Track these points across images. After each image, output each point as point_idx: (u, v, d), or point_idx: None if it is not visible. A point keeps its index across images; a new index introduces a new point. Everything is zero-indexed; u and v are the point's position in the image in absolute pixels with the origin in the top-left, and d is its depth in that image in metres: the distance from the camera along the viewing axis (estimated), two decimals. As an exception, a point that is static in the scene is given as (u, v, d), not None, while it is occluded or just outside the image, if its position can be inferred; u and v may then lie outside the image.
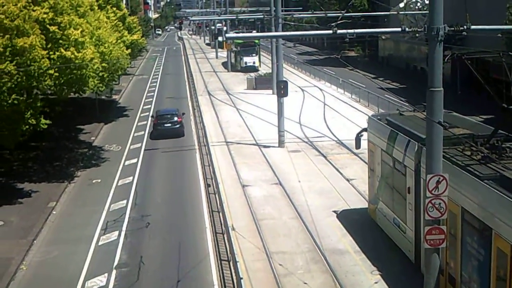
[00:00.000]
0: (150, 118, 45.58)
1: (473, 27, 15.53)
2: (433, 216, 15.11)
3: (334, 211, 24.97)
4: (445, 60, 15.82)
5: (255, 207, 26.06)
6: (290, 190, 27.90)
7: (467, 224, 15.54)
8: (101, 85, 36.15)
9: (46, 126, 28.67)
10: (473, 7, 23.54)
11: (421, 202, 17.82)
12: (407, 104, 29.05)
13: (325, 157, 33.46)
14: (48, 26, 28.35)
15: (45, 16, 28.05)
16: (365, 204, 24.93)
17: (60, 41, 28.76)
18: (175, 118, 41.32)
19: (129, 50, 45.84)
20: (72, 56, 28.47)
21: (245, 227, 23.84)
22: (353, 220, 23.96)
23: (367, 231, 22.86)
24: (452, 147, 17.12)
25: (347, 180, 29.10)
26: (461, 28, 15.45)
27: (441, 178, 14.96)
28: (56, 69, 27.86)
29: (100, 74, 34.36)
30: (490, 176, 15.00)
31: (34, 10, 27.55)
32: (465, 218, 15.57)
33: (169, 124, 41.00)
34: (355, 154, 32.24)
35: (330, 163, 32.22)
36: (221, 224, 24.24)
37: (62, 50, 28.37)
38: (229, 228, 22.47)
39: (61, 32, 28.78)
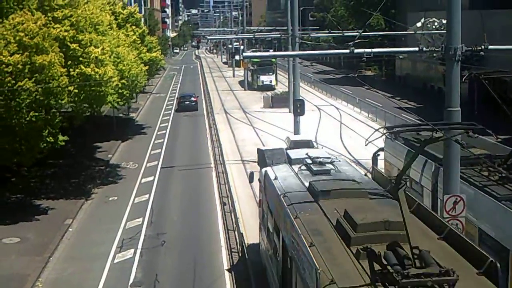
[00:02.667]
0: (169, 128, 45.71)
1: (490, 46, 15.51)
2: (450, 237, 14.97)
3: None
4: (463, 80, 15.78)
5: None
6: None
7: (484, 245, 15.38)
8: (119, 99, 36.35)
9: (63, 143, 28.79)
10: (490, 27, 23.54)
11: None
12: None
13: (341, 176, 33.23)
14: (68, 43, 28.60)
15: (65, 34, 28.32)
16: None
17: (81, 59, 29.00)
18: (192, 98, 63.16)
19: (147, 67, 46.17)
20: (92, 72, 28.69)
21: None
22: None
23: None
24: (469, 167, 16.99)
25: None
26: (479, 48, 15.43)
27: (459, 199, 14.86)
28: (75, 86, 28.08)
29: (120, 91, 34.58)
30: (508, 197, 14.86)
31: (54, 28, 27.82)
32: (482, 239, 15.43)
33: (188, 102, 62.44)
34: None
35: (347, 182, 31.98)
36: (236, 243, 24.17)
37: (82, 67, 28.60)
38: (245, 246, 22.39)
39: (82, 49, 29.04)
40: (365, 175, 17.78)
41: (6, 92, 24.92)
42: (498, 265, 10.66)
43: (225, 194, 30.88)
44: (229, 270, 22.05)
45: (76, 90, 28.29)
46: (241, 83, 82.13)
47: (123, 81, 34.61)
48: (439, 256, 10.79)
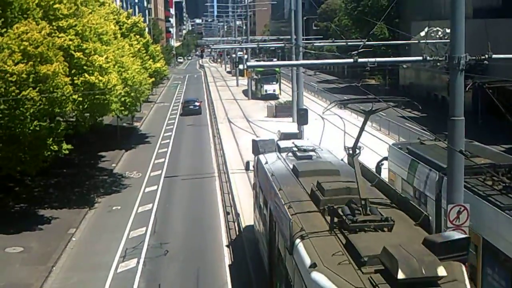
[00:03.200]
0: (173, 133, 45.78)
1: (494, 56, 15.48)
2: (454, 246, 14.91)
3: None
4: (466, 89, 15.75)
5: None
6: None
7: (488, 254, 15.32)
8: (123, 108, 36.44)
9: (67, 152, 28.82)
10: (494, 36, 23.55)
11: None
12: (428, 133, 28.85)
13: (345, 185, 33.19)
14: (73, 52, 28.67)
15: (70, 43, 28.40)
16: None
17: (85, 67, 29.07)
18: (196, 103, 66.99)
19: (152, 79, 46.30)
20: (96, 81, 28.75)
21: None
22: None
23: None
24: (473, 177, 16.96)
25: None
26: (483, 57, 15.40)
27: (462, 208, 14.81)
28: (79, 94, 28.14)
29: (123, 99, 34.66)
30: (512, 206, 14.83)
31: (59, 37, 27.89)
32: (486, 248, 15.36)
33: (192, 106, 65.84)
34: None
35: (350, 191, 31.94)
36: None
37: (86, 76, 28.67)
38: (247, 256, 22.34)
39: (86, 58, 29.11)
40: (341, 160, 21.21)
41: (10, 101, 24.98)
42: (430, 217, 14.12)
43: (228, 204, 30.83)
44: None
45: (80, 99, 28.35)
46: (245, 92, 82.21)
47: (126, 89, 34.66)
48: (387, 212, 14.07)
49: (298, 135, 27.46)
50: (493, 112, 41.44)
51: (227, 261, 23.84)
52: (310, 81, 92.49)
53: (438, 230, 18.29)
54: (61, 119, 30.44)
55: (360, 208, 13.93)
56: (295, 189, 17.34)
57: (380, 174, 24.45)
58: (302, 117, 35.59)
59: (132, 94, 36.62)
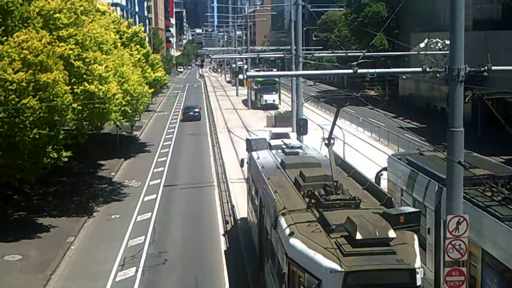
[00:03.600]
0: (173, 141, 45.84)
1: (494, 67, 15.52)
2: (453, 257, 14.94)
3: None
4: (466, 100, 15.80)
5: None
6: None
7: (487, 265, 15.32)
8: (121, 117, 36.46)
9: (66, 159, 28.79)
10: (493, 47, 23.61)
11: (441, 243, 17.62)
12: (427, 144, 28.93)
13: (344, 196, 33.21)
14: (73, 61, 28.71)
15: (70, 52, 28.43)
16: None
17: (84, 76, 29.10)
18: (195, 109, 70.43)
19: (152, 89, 46.37)
20: (96, 90, 28.77)
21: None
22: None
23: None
24: (472, 188, 16.98)
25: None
26: (482, 68, 15.45)
27: (462, 219, 14.82)
28: (79, 103, 28.15)
29: (123, 108, 34.68)
30: (511, 217, 14.83)
31: (59, 46, 27.95)
32: (485, 259, 15.36)
33: (192, 113, 69.15)
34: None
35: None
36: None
37: (86, 84, 28.68)
38: (246, 265, 22.31)
39: (86, 67, 29.14)
40: (324, 156, 23.07)
41: (10, 109, 25.01)
42: (393, 199, 17.00)
43: (227, 213, 30.82)
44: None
45: (80, 107, 28.36)
46: (245, 102, 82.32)
47: (127, 98, 34.68)
48: (356, 193, 17.25)
49: (287, 135, 30.45)
50: (492, 124, 41.52)
51: (226, 269, 23.80)
52: (310, 91, 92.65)
53: (437, 241, 18.33)
54: (61, 128, 30.43)
55: (333, 190, 16.89)
56: (281, 179, 20.27)
57: (379, 185, 24.51)
58: (302, 127, 35.62)
59: (132, 101, 36.65)
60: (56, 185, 36.71)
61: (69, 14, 29.80)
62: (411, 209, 16.05)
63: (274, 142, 26.08)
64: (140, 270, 24.07)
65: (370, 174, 24.56)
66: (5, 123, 25.49)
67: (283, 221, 15.90)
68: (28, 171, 27.38)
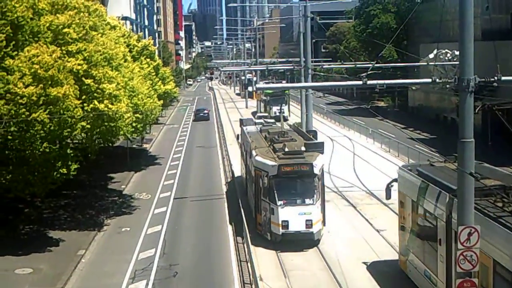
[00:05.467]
0: (183, 152, 45.97)
1: (503, 78, 15.49)
2: (465, 268, 14.87)
3: (364, 263, 24.67)
4: (476, 111, 15.76)
5: (284, 256, 25.85)
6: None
7: (498, 276, 15.23)
8: (133, 130, 36.52)
9: (75, 172, 28.83)
10: (503, 58, 23.57)
11: (453, 254, 17.55)
12: (437, 155, 28.85)
13: (354, 207, 33.22)
14: (83, 78, 28.77)
15: (79, 67, 28.51)
16: (395, 256, 24.56)
17: (95, 94, 29.10)
18: (205, 111, 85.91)
19: (161, 101, 46.48)
20: (106, 109, 28.78)
21: (274, 277, 23.63)
22: (383, 272, 23.62)
23: (397, 283, 22.51)
24: (483, 199, 16.91)
25: (377, 231, 28.80)
26: (492, 79, 15.42)
27: (473, 230, 14.75)
28: (88, 121, 28.18)
29: (134, 124, 34.76)
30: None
31: (68, 61, 28.03)
32: (496, 270, 15.27)
33: (202, 114, 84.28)
34: (385, 204, 31.96)
35: (360, 213, 31.96)
36: (249, 274, 24.06)
37: (96, 103, 28.67)
38: (257, 278, 22.27)
39: (96, 85, 29.17)
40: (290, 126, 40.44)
41: (21, 123, 25.12)
42: (312, 137, 32.87)
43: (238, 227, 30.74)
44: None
45: (89, 126, 28.35)
46: (254, 114, 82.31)
47: (137, 115, 34.72)
48: (296, 138, 32.58)
49: (267, 117, 49.40)
50: (503, 134, 41.30)
51: (237, 282, 23.76)
52: (319, 103, 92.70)
53: (449, 252, 18.25)
54: (71, 142, 30.50)
55: (281, 136, 32.04)
56: (257, 136, 34.96)
57: (390, 196, 24.56)
58: (311, 139, 35.59)
59: (141, 117, 36.68)
60: (66, 198, 36.82)
61: (78, 29, 29.91)
62: (317, 141, 31.92)
63: (257, 120, 46.53)
64: (150, 283, 24.05)
65: (380, 185, 24.56)
66: (16, 137, 25.60)
67: (253, 151, 30.36)
68: (37, 186, 27.44)
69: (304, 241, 26.87)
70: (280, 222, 26.91)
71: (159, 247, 28.46)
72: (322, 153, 29.45)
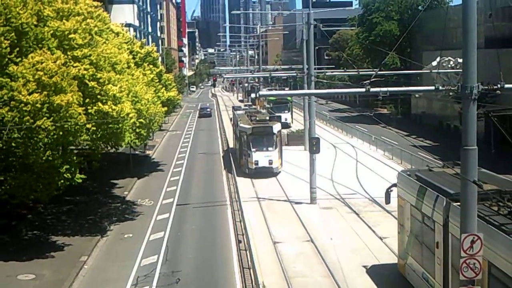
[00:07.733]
0: (188, 152, 46.06)
1: (506, 85, 15.51)
2: (468, 276, 14.88)
3: (364, 266, 24.73)
4: (478, 118, 15.79)
5: (286, 264, 25.83)
6: (321, 247, 27.64)
7: (494, 279, 15.27)
8: (136, 140, 36.63)
9: (81, 181, 28.95)
10: (506, 65, 23.55)
11: (450, 257, 17.65)
12: (440, 162, 28.87)
13: (357, 214, 33.21)
14: (87, 82, 28.86)
15: (85, 72, 28.59)
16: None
17: (99, 96, 29.22)
18: (208, 109, 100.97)
19: (165, 108, 46.60)
20: (110, 110, 28.87)
21: (276, 284, 23.61)
22: (383, 276, 23.63)
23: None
24: (479, 203, 16.99)
25: (380, 238, 28.77)
26: (495, 86, 15.44)
27: (476, 237, 14.76)
28: (93, 124, 28.27)
29: (137, 130, 34.82)
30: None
31: (74, 67, 28.09)
32: (492, 273, 15.32)
33: (205, 112, 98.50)
34: (388, 212, 31.95)
35: (363, 220, 31.95)
36: (251, 281, 24.04)
37: (100, 105, 28.78)
38: (260, 285, 22.26)
39: (100, 87, 29.27)
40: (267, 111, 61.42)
41: (25, 130, 25.16)
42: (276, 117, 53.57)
43: (240, 232, 30.78)
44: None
45: (94, 128, 28.47)
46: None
47: (141, 120, 34.83)
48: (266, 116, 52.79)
49: (252, 105, 66.07)
50: (506, 141, 41.29)
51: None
52: (322, 110, 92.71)
53: (445, 255, 18.28)
54: (74, 149, 30.55)
55: (257, 113, 53.63)
56: (244, 116, 51.69)
57: (389, 201, 24.67)
58: (314, 146, 35.66)
59: (145, 122, 36.81)
60: (69, 204, 36.86)
61: (84, 34, 30.00)
62: (276, 115, 54.54)
63: (243, 107, 66.15)
64: (153, 289, 24.05)
65: (383, 192, 24.58)
66: (20, 144, 25.65)
67: (239, 122, 48.44)
68: (41, 192, 27.49)
69: (267, 172, 43.95)
70: (253, 161, 44.18)
71: (162, 253, 28.47)
72: (280, 122, 49.77)
